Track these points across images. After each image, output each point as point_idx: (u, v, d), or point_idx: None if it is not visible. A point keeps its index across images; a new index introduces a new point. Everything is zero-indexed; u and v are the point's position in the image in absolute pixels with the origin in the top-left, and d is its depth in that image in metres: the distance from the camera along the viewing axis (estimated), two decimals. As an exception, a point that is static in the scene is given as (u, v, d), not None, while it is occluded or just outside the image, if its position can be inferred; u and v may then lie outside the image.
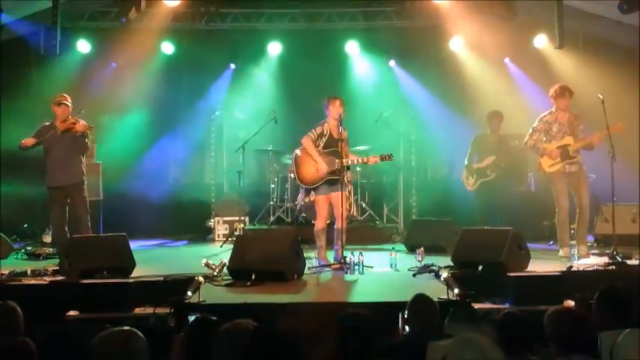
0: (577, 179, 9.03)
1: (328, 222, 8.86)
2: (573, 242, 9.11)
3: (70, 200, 9.19)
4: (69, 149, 9.14)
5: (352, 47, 12.65)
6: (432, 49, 12.70)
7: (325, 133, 8.72)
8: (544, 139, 9.13)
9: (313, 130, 8.74)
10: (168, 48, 12.50)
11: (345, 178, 8.62)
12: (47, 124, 9.19)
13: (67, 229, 9.09)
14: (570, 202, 9.07)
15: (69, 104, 9.19)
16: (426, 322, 4.64)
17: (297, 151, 8.89)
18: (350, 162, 8.72)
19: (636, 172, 10.23)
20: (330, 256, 8.71)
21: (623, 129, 8.72)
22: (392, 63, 12.87)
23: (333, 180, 8.61)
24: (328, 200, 8.68)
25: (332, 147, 8.65)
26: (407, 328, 4.93)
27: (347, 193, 8.75)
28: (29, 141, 9.05)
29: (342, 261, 8.31)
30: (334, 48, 12.61)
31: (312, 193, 8.76)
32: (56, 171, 9.17)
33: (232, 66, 12.97)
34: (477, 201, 10.73)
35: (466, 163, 10.78)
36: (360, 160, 8.85)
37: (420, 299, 4.83)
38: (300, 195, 9.10)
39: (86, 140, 9.20)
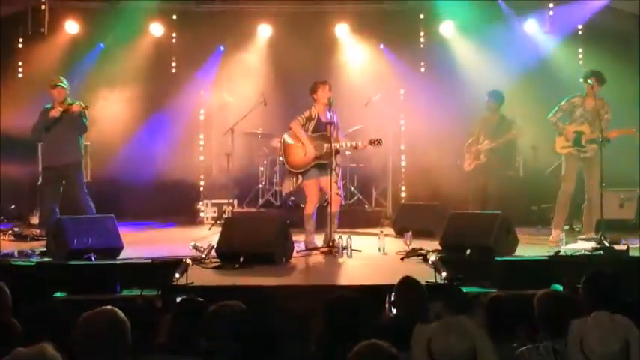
0: (590, 166, 8.97)
1: (317, 205, 8.86)
2: (565, 227, 9.22)
3: (65, 182, 9.14)
4: (66, 129, 9.10)
5: (342, 30, 12.59)
6: (422, 33, 12.67)
7: (313, 116, 8.71)
8: (567, 120, 9.08)
9: (301, 115, 8.73)
10: (157, 29, 12.41)
11: (334, 163, 8.63)
12: (48, 106, 9.16)
13: (57, 210, 9.04)
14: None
15: (65, 86, 9.15)
16: (413, 304, 4.65)
17: (285, 136, 8.87)
18: (339, 146, 8.71)
19: (625, 157, 10.19)
20: (320, 239, 8.71)
21: (634, 132, 8.85)
22: (381, 46, 12.82)
23: (322, 164, 8.61)
24: (317, 185, 8.67)
25: (320, 131, 8.65)
26: (394, 310, 4.95)
27: (335, 177, 8.76)
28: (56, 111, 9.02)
29: (331, 244, 8.32)
30: (324, 31, 12.55)
31: (300, 177, 8.76)
32: (51, 151, 9.18)
33: (221, 48, 12.88)
34: (469, 183, 10.66)
35: (469, 141, 10.66)
36: (349, 145, 8.83)
37: (407, 282, 4.84)
38: (286, 182, 9.08)
39: (84, 120, 9.16)
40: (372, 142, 8.72)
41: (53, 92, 9.13)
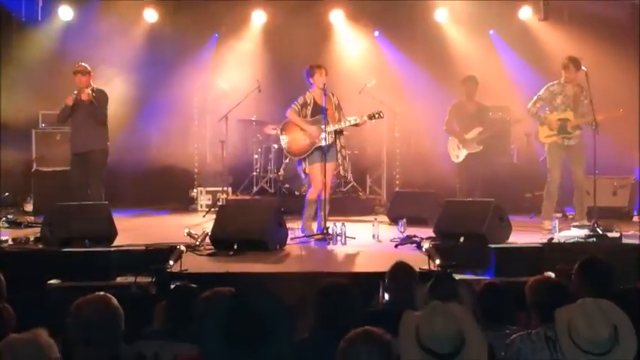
0: (574, 153, 8.94)
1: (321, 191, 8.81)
2: (558, 215, 9.21)
3: (88, 169, 9.22)
4: (83, 118, 9.18)
5: (337, 17, 12.56)
6: (417, 20, 12.64)
7: (309, 102, 8.67)
8: (547, 109, 9.04)
9: (295, 102, 8.70)
10: (151, 16, 12.36)
11: (338, 144, 8.62)
12: (75, 92, 9.21)
13: (89, 192, 9.11)
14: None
15: (84, 72, 9.16)
16: (406, 289, 4.67)
17: (282, 125, 8.84)
18: (339, 126, 8.65)
19: (618, 144, 10.19)
20: (313, 226, 8.72)
21: (622, 114, 8.81)
22: (376, 33, 12.80)
23: (323, 147, 8.53)
24: (323, 169, 8.54)
25: (319, 114, 8.59)
26: (387, 296, 4.97)
27: (338, 161, 8.73)
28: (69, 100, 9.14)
29: (325, 232, 8.33)
30: (318, 17, 12.52)
31: (305, 162, 8.69)
32: (75, 137, 9.36)
33: (216, 35, 12.85)
34: (460, 173, 10.63)
35: (445, 128, 10.56)
36: (349, 123, 8.72)
37: (400, 267, 4.86)
38: (299, 167, 9.01)
39: (96, 106, 9.13)
40: (371, 116, 8.66)
41: (74, 79, 9.15)
